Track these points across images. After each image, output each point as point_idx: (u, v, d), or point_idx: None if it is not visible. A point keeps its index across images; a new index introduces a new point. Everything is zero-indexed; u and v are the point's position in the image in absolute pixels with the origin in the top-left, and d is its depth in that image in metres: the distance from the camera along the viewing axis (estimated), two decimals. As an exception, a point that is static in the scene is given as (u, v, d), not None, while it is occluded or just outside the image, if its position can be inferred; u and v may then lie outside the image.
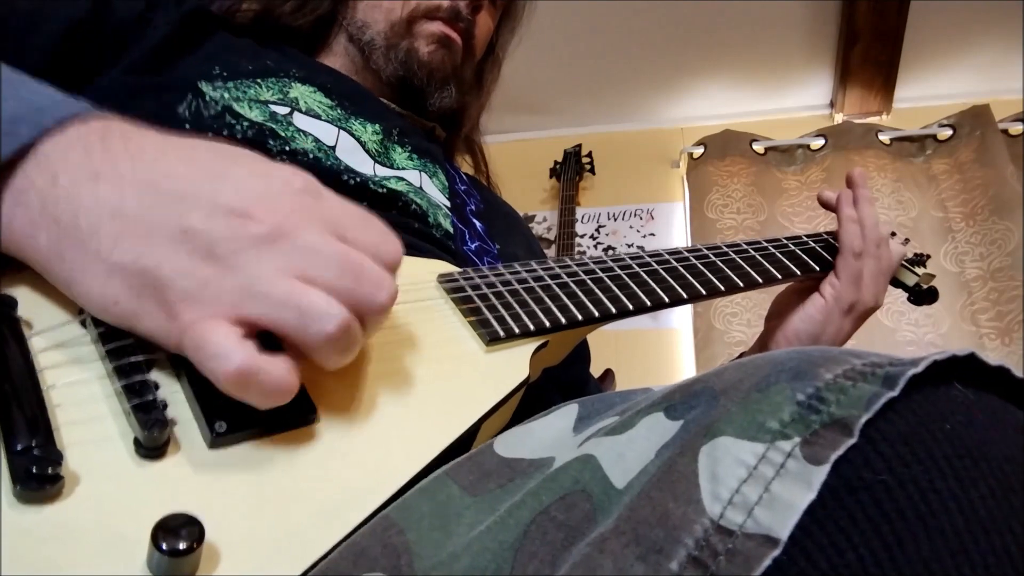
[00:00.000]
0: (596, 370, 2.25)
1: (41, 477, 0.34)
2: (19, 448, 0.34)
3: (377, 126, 0.74)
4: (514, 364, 0.53)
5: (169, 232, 0.37)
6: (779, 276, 0.75)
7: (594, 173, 2.73)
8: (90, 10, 0.64)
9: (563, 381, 0.76)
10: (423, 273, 0.58)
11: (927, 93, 2.55)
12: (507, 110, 2.67)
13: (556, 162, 2.76)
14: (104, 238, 0.36)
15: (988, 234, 2.19)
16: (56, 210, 0.37)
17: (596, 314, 0.60)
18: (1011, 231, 2.14)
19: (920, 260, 0.90)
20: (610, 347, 2.42)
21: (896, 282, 0.88)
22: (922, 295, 0.88)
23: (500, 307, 0.56)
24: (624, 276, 0.65)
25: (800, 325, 0.81)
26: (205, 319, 0.36)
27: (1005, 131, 2.32)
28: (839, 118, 2.59)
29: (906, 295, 0.90)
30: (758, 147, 2.57)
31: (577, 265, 0.65)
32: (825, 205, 0.86)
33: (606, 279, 0.64)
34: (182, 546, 0.32)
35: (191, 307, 0.36)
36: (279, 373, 0.36)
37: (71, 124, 0.39)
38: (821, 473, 0.26)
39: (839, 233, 0.81)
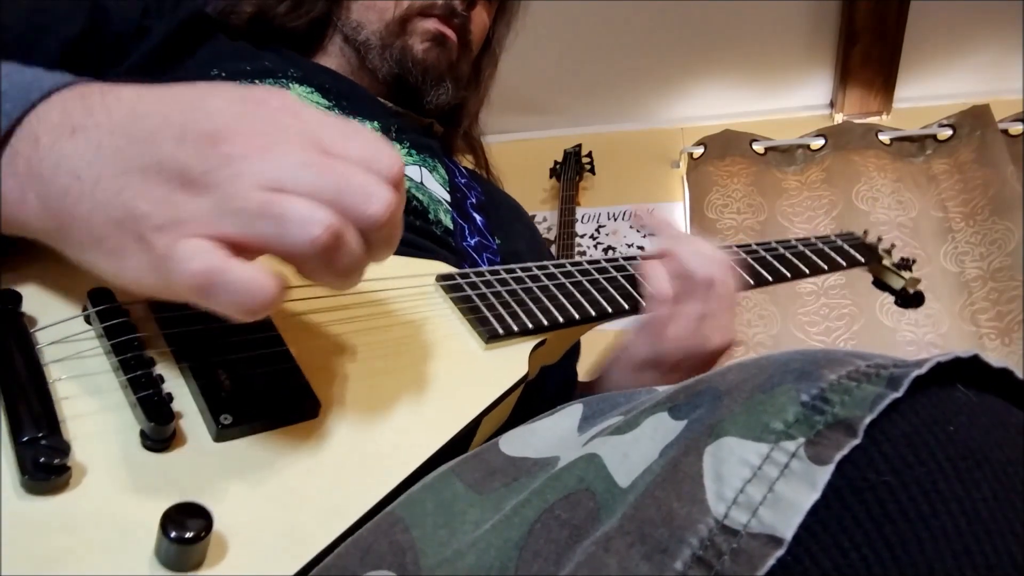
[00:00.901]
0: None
1: (49, 467, 0.34)
2: (26, 439, 0.35)
3: (375, 123, 0.74)
4: (513, 361, 0.54)
5: (142, 165, 0.35)
6: (771, 278, 0.76)
7: (594, 173, 2.73)
8: (87, 24, 0.64)
9: (557, 376, 0.76)
10: (422, 273, 0.58)
11: (927, 93, 2.55)
12: (507, 110, 2.67)
13: (556, 162, 2.75)
14: (85, 183, 0.36)
15: (988, 234, 2.19)
16: (40, 167, 0.37)
17: (593, 313, 0.61)
18: (1011, 231, 2.14)
19: (906, 264, 0.91)
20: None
21: (883, 285, 0.90)
22: (908, 299, 0.90)
23: (499, 306, 0.57)
24: (620, 277, 0.67)
25: (610, 378, 0.71)
26: (178, 239, 0.34)
27: (1005, 131, 2.32)
28: (839, 118, 2.58)
29: (893, 299, 0.91)
30: (758, 147, 2.57)
31: (573, 266, 0.66)
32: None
33: (602, 280, 0.66)
34: (190, 534, 0.32)
35: (167, 233, 0.34)
36: (249, 272, 0.34)
37: (55, 93, 0.39)
38: (825, 473, 0.26)
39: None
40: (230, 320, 0.36)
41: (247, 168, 0.35)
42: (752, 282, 0.74)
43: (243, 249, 0.35)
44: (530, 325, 0.56)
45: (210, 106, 0.37)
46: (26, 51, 0.61)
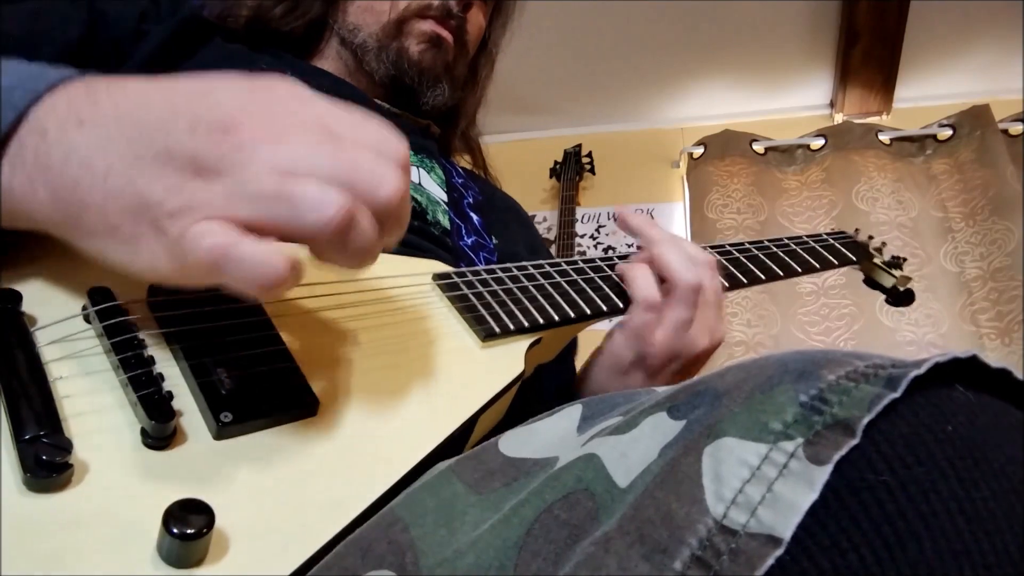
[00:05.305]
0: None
1: (50, 465, 0.34)
2: (28, 437, 0.35)
3: None
4: (509, 359, 0.54)
5: (154, 154, 0.36)
6: (763, 276, 0.77)
7: (594, 173, 2.73)
8: (85, 29, 0.65)
9: (554, 372, 0.76)
10: (418, 273, 0.59)
11: (927, 93, 2.55)
12: (507, 110, 2.67)
13: (556, 162, 2.76)
14: (96, 172, 0.36)
15: (988, 234, 2.19)
16: (48, 159, 0.37)
17: (588, 311, 0.61)
18: (1011, 231, 2.14)
19: (897, 263, 0.92)
20: (609, 346, 2.42)
21: (874, 284, 0.91)
22: (899, 297, 0.91)
23: (495, 304, 0.57)
24: (615, 276, 0.67)
25: (595, 379, 0.70)
26: (192, 223, 0.35)
27: (1005, 131, 2.32)
28: (839, 118, 2.59)
29: (884, 296, 0.92)
30: (758, 147, 2.57)
31: (568, 264, 0.67)
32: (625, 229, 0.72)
33: (597, 278, 0.66)
34: (192, 531, 0.33)
35: (181, 218, 0.35)
36: (260, 247, 0.34)
37: (60, 86, 0.39)
38: (823, 473, 0.26)
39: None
40: (244, 299, 0.36)
41: (260, 154, 0.36)
42: (745, 280, 0.74)
43: (258, 231, 0.35)
44: (526, 323, 0.57)
45: (218, 96, 0.38)
46: (26, 58, 0.61)
